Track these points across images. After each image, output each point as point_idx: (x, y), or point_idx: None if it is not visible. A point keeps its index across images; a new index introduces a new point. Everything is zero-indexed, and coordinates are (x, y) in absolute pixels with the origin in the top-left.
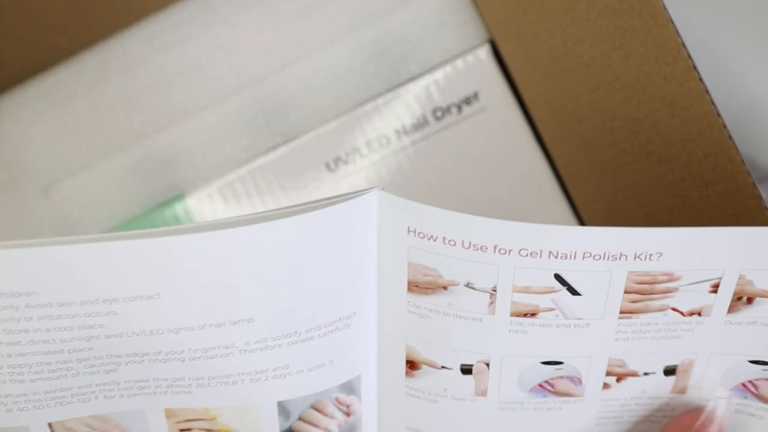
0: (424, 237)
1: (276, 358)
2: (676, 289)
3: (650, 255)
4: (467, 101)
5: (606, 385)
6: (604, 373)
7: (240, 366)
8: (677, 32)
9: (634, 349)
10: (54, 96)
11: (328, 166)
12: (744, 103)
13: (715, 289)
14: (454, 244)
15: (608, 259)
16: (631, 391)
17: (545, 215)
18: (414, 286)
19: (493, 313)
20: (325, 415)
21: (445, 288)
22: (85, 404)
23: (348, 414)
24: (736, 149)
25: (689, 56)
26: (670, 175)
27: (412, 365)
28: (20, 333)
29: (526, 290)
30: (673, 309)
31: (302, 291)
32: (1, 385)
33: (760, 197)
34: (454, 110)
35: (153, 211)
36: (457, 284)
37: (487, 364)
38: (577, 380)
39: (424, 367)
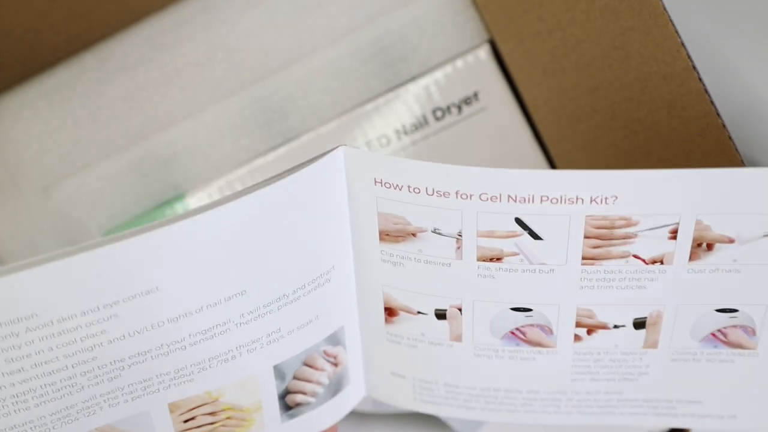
0: (390, 187)
1: (268, 324)
2: (635, 235)
3: (606, 198)
4: (467, 101)
5: (577, 337)
6: (574, 322)
7: (237, 340)
8: (677, 32)
9: (601, 298)
10: (54, 96)
11: None
12: (744, 103)
13: (674, 235)
14: (419, 192)
15: (565, 202)
16: (603, 344)
17: None
18: (385, 236)
19: (461, 258)
20: (317, 369)
21: (414, 235)
22: (90, 418)
23: (335, 365)
24: (736, 149)
25: (689, 56)
26: None
27: (390, 312)
28: (22, 359)
29: (489, 235)
30: (635, 256)
31: (286, 255)
32: (4, 417)
33: None
34: (454, 110)
35: (153, 211)
36: (425, 230)
37: (460, 310)
38: (547, 329)
39: (401, 313)
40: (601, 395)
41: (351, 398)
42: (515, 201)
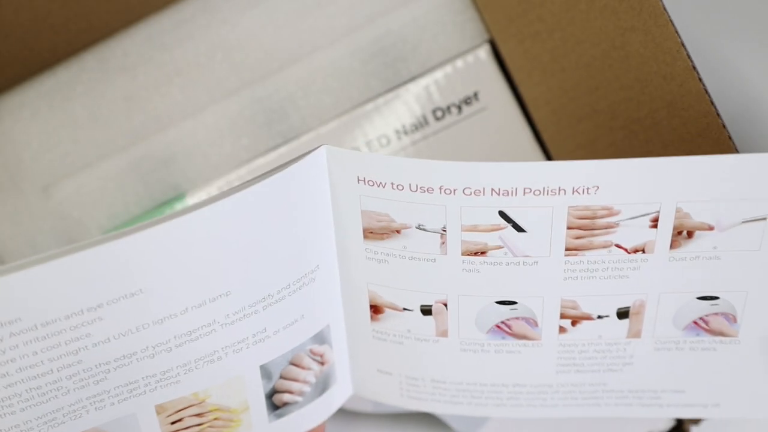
0: (373, 184)
1: (254, 324)
2: (616, 224)
3: (587, 189)
4: (467, 101)
5: (562, 329)
6: (558, 314)
7: (223, 340)
8: (677, 32)
9: (585, 289)
10: (54, 96)
11: None
12: (744, 103)
13: (654, 223)
14: (402, 188)
15: (548, 194)
16: (587, 335)
17: None
18: (369, 233)
19: (446, 253)
20: (303, 368)
21: (398, 232)
22: (76, 421)
23: (322, 363)
24: (736, 149)
25: (689, 56)
26: None
27: (376, 309)
28: (7, 364)
29: (473, 229)
30: (617, 246)
31: (270, 254)
32: None
33: None
34: (454, 110)
35: (153, 211)
36: (409, 227)
37: (446, 305)
38: (532, 322)
39: (387, 310)
40: (586, 387)
41: (338, 396)
42: (498, 194)
